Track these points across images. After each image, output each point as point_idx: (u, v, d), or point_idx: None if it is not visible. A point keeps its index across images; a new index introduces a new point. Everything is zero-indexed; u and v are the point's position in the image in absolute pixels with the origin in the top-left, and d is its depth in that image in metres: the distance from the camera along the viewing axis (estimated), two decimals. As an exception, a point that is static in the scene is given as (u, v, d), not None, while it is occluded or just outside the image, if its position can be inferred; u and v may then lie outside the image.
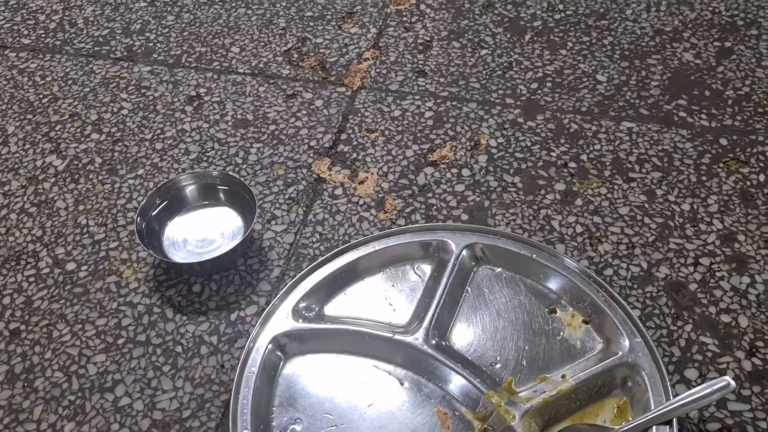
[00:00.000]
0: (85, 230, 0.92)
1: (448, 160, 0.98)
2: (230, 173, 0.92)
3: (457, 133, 1.02)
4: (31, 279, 0.88)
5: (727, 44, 1.12)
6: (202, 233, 0.88)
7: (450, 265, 0.83)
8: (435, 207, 0.93)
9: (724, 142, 0.99)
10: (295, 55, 1.15)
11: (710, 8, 1.18)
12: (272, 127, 1.04)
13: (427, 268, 0.86)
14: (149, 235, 0.87)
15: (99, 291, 0.86)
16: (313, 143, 1.01)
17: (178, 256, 0.85)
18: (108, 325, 0.83)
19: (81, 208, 0.95)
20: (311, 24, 1.21)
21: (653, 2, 1.20)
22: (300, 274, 0.82)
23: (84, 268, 0.88)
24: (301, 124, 1.04)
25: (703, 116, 1.02)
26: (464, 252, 0.85)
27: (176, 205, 0.90)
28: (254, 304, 0.84)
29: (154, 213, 0.88)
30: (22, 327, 0.83)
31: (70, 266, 0.89)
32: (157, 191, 0.89)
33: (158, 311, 0.84)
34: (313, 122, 1.04)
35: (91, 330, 0.83)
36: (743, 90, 1.05)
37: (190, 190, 0.90)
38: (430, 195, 0.94)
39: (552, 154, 0.99)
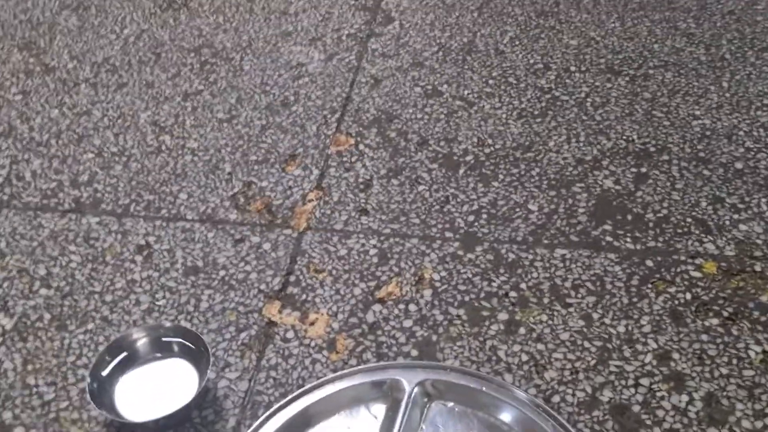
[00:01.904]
0: (34, 391, 0.91)
1: (394, 297, 1.02)
2: (181, 324, 0.93)
3: (401, 269, 1.06)
4: (-22, 448, 0.86)
5: (643, 170, 1.22)
6: (156, 388, 0.88)
7: (403, 404, 0.86)
8: (385, 344, 0.96)
9: (649, 263, 1.06)
10: (242, 199, 1.20)
11: (624, 137, 1.29)
12: (222, 273, 1.07)
13: (381, 409, 0.87)
14: (101, 393, 0.86)
15: (49, 456, 0.84)
16: (262, 287, 1.04)
17: (132, 414, 0.85)
18: (59, 492, 0.81)
19: (30, 368, 0.94)
20: (256, 167, 1.26)
21: (572, 134, 1.30)
22: (255, 425, 0.83)
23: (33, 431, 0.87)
24: (251, 268, 1.07)
25: (628, 240, 1.10)
26: (416, 389, 0.87)
27: (128, 360, 0.90)
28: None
29: (105, 370, 0.88)
30: (-32, 501, 0.81)
31: (18, 431, 0.87)
32: (107, 348, 0.90)
33: (112, 473, 0.82)
34: (261, 266, 1.07)
35: (42, 499, 0.81)
36: (662, 212, 1.14)
37: (141, 344, 0.91)
38: (379, 333, 0.97)
39: (493, 284, 1.04)
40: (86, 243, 1.12)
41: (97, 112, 1.42)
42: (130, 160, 1.30)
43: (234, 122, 1.38)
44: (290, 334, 0.97)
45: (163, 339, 0.91)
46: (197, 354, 0.90)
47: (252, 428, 0.83)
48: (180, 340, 0.91)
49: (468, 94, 1.43)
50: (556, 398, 0.89)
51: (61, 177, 1.26)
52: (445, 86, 1.45)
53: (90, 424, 0.87)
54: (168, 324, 0.93)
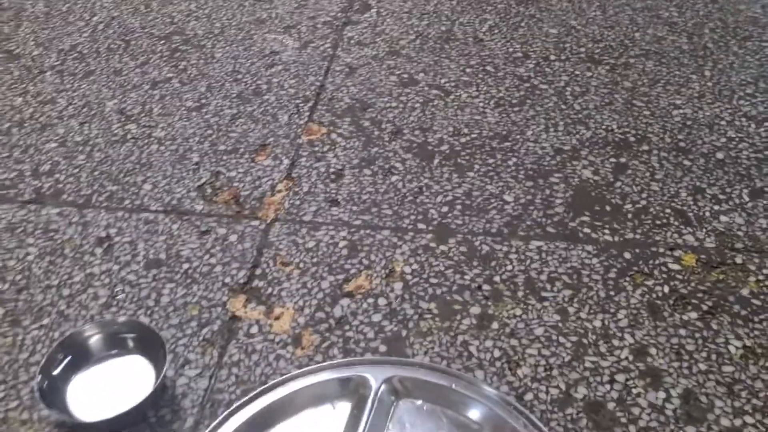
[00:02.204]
0: (-17, 390, 0.87)
1: (363, 290, 0.99)
2: (137, 320, 0.89)
3: (371, 262, 1.03)
4: None
5: (622, 160, 1.19)
6: (111, 386, 0.84)
7: (369, 401, 0.82)
8: (353, 340, 0.92)
9: (627, 255, 1.02)
10: (209, 190, 1.16)
11: (603, 127, 1.26)
12: (186, 266, 1.02)
13: (346, 407, 0.84)
14: (52, 392, 0.82)
15: (-4, 458, 0.80)
16: (227, 280, 1.00)
17: (84, 414, 0.81)
18: (5, 496, 0.77)
19: (-21, 365, 0.90)
20: (225, 157, 1.22)
21: (551, 123, 1.27)
22: (213, 424, 0.79)
23: (-20, 432, 0.83)
24: (216, 260, 1.03)
25: (606, 231, 1.06)
26: (383, 386, 0.84)
27: (81, 357, 0.86)
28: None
29: (57, 368, 0.84)
30: None
31: (-35, 432, 0.83)
32: (60, 344, 0.85)
33: (62, 476, 0.78)
34: (227, 258, 1.03)
35: (-14, 504, 0.76)
36: (641, 203, 1.11)
37: (95, 340, 0.87)
38: (347, 328, 0.94)
39: (465, 277, 1.00)
40: (45, 235, 1.08)
41: (62, 101, 1.37)
42: (94, 149, 1.25)
43: (203, 111, 1.33)
44: (254, 329, 0.94)
45: (119, 335, 0.87)
46: (154, 351, 0.85)
47: (210, 428, 0.79)
48: (136, 336, 0.87)
49: (445, 82, 1.39)
50: (529, 395, 0.85)
51: (21, 167, 1.22)
52: (422, 75, 1.41)
53: (41, 424, 0.83)
54: (123, 319, 0.89)
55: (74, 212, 1.12)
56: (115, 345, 0.87)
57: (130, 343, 0.87)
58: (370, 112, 1.32)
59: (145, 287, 0.99)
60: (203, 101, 1.36)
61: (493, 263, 1.02)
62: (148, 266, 1.02)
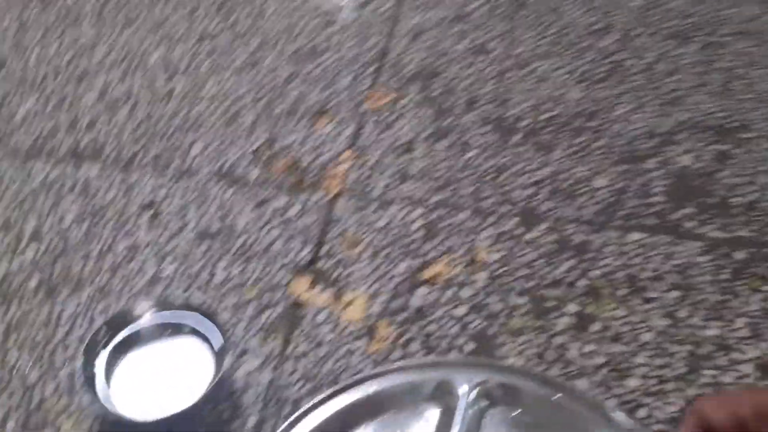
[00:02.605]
0: (15, 370, 0.76)
1: (444, 278, 0.87)
2: (193, 302, 0.78)
3: (451, 246, 0.91)
4: (-56, 436, 0.71)
5: (724, 147, 1.07)
6: (161, 375, 0.73)
7: (459, 411, 0.71)
8: (435, 335, 0.81)
9: (740, 256, 0.90)
10: (265, 156, 1.04)
11: (700, 110, 1.13)
12: (241, 240, 0.91)
13: (432, 415, 0.73)
14: (94, 379, 0.71)
15: (30, 451, 0.70)
16: (289, 258, 0.89)
17: (130, 406, 0.70)
18: (41, 497, 0.66)
19: (12, 340, 0.79)
20: (281, 121, 1.10)
21: (641, 103, 1.14)
22: (282, 428, 0.68)
23: (12, 419, 0.72)
24: (275, 235, 0.92)
25: (713, 226, 0.94)
26: (474, 392, 0.72)
27: (129, 341, 0.75)
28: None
29: (101, 351, 0.73)
30: (-72, 503, 0.66)
31: (-5, 417, 0.72)
32: (105, 324, 0.74)
33: (105, 477, 0.68)
34: (288, 234, 0.92)
35: (19, 505, 0.66)
36: (750, 196, 0.99)
37: (146, 322, 0.76)
38: (427, 320, 0.83)
39: (558, 270, 0.89)
40: (84, 196, 0.97)
41: (102, 50, 1.25)
42: (137, 105, 1.13)
43: (256, 69, 1.21)
44: (322, 317, 0.82)
45: (172, 317, 0.76)
46: (212, 339, 0.74)
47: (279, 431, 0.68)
48: (193, 320, 0.76)
49: (520, 52, 1.26)
50: (641, 412, 0.74)
51: (57, 119, 1.10)
52: (494, 43, 1.29)
53: (81, 414, 0.72)
54: (177, 298, 0.77)
55: (116, 173, 1.00)
56: (168, 328, 0.76)
57: (185, 327, 0.75)
58: (441, 80, 1.19)
59: (197, 262, 0.88)
60: (256, 59, 1.24)
61: (589, 256, 0.90)
62: (200, 237, 0.91)
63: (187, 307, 0.76)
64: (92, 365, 0.71)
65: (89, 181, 0.99)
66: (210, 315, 0.75)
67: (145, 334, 0.75)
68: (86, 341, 0.73)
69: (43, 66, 1.21)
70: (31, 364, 0.77)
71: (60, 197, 0.96)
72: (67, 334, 0.80)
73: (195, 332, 0.76)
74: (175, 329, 0.76)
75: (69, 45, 1.26)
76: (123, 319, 0.75)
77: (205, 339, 0.75)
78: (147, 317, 0.76)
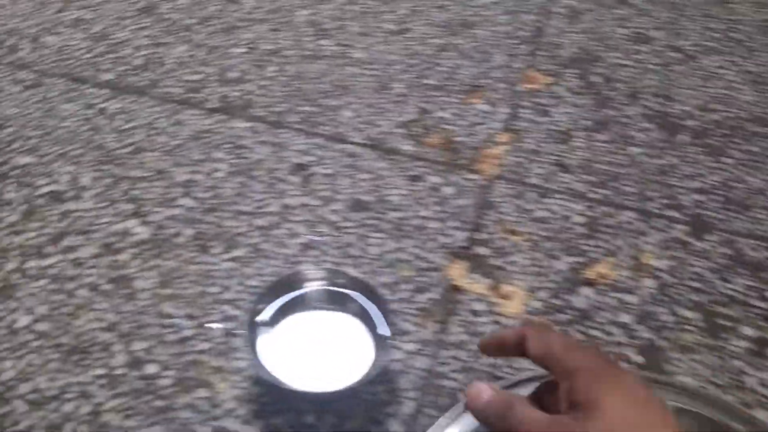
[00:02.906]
0: (169, 322, 0.75)
1: (607, 281, 0.82)
2: (361, 279, 0.74)
3: (614, 248, 0.85)
4: (102, 381, 0.70)
5: None
6: (319, 349, 0.70)
7: None
8: (599, 341, 0.76)
9: None
10: (417, 129, 1.00)
11: None
12: (395, 215, 0.88)
13: None
14: (254, 343, 0.69)
15: (186, 408, 0.68)
16: (444, 240, 0.85)
17: (286, 376, 0.67)
18: (197, 458, 0.65)
19: (166, 292, 0.78)
20: (432, 93, 1.06)
21: (824, 113, 1.05)
22: (452, 414, 0.65)
23: (167, 373, 0.71)
24: (429, 214, 0.88)
25: None
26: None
27: (290, 307, 0.72)
28: (384, 450, 0.66)
29: (261, 315, 0.71)
30: (87, 448, 0.65)
31: (151, 369, 0.71)
32: (268, 288, 0.72)
33: (261, 446, 0.66)
34: (443, 214, 0.88)
35: (175, 463, 0.65)
36: None
37: (306, 289, 0.73)
38: (591, 324, 0.77)
39: (731, 286, 0.82)
40: (234, 151, 0.95)
41: (249, 3, 1.23)
42: (285, 62, 1.11)
43: (406, 36, 1.17)
44: (479, 306, 0.78)
45: (332, 289, 0.73)
46: (373, 315, 0.71)
47: (446, 418, 0.64)
48: (352, 292, 0.72)
49: (685, 45, 1.18)
50: (831, 456, 0.67)
51: (207, 70, 1.08)
52: (657, 32, 1.21)
53: (234, 376, 0.70)
54: (345, 275, 0.74)
55: (266, 130, 0.98)
56: (331, 300, 0.73)
57: (346, 301, 0.72)
58: (600, 66, 1.12)
59: (350, 232, 0.85)
60: (405, 25, 1.19)
61: (766, 275, 0.83)
62: (352, 207, 0.88)
63: (352, 281, 0.73)
64: (251, 328, 0.69)
65: (240, 137, 0.97)
66: (374, 293, 0.71)
67: (307, 302, 0.72)
68: (244, 303, 0.71)
69: (191, 14, 1.19)
70: (185, 319, 0.75)
71: (211, 150, 0.94)
72: (221, 292, 0.78)
73: (356, 310, 0.72)
74: (337, 302, 0.72)
75: (217, -6, 1.24)
76: (285, 284, 0.72)
77: (366, 316, 0.71)
78: (309, 287, 0.73)
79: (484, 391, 0.45)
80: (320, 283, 0.73)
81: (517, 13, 1.23)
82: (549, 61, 1.13)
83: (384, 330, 0.69)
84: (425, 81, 1.08)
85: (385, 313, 0.70)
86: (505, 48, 1.15)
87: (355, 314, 0.71)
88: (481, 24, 1.20)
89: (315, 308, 0.72)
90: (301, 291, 0.72)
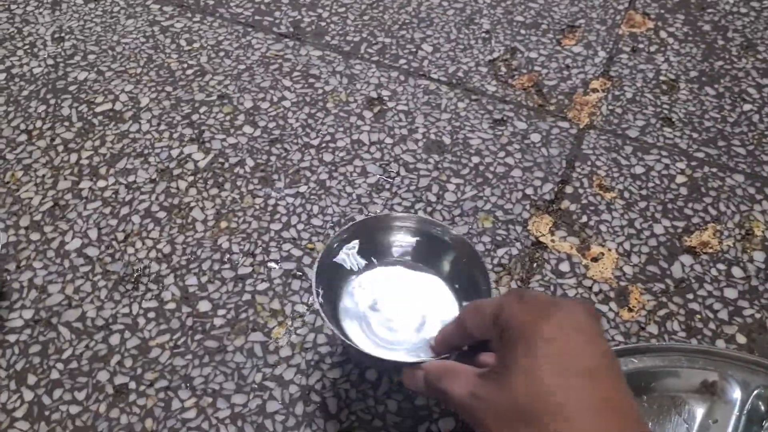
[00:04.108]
0: (226, 258, 0.69)
1: (711, 250, 0.73)
2: (456, 233, 0.62)
3: (720, 214, 0.76)
4: (150, 315, 0.65)
5: None
6: (399, 306, 0.60)
7: (731, 418, 0.58)
8: (698, 316, 0.67)
9: None
10: (503, 69, 0.90)
11: None
12: (475, 160, 0.79)
13: (697, 411, 0.60)
14: (321, 295, 0.59)
15: (239, 351, 0.63)
16: (529, 191, 0.77)
17: (360, 336, 0.58)
18: (248, 406, 0.60)
19: (223, 225, 0.72)
20: (522, 32, 0.96)
21: None
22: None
23: (221, 313, 0.65)
24: (513, 162, 0.79)
25: None
26: (751, 400, 0.59)
27: (366, 255, 0.62)
28: (452, 415, 0.60)
29: (332, 262, 0.60)
30: (132, 385, 0.61)
31: (204, 306, 0.66)
32: (347, 230, 0.61)
33: (317, 400, 0.60)
34: (528, 162, 0.79)
35: (225, 409, 0.59)
36: None
37: (393, 239, 0.62)
38: (690, 296, 0.69)
39: None
40: (304, 80, 0.87)
41: (326, -77, 1.14)
42: (362, -12, 1.02)
43: (495, -32, 1.06)
44: (565, 267, 0.70)
45: (420, 240, 0.62)
46: (467, 278, 0.60)
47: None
48: (442, 247, 0.61)
49: (810, -5, 1.04)
50: None
51: (278, -9, 1.00)
52: (777, -21, 1.07)
53: (293, 323, 0.64)
54: (439, 226, 0.62)
55: (339, 60, 0.90)
56: (419, 256, 0.62)
57: (443, 262, 0.61)
58: (711, 13, 1.00)
59: (425, 175, 0.77)
60: (494, -44, 1.08)
61: None
62: (429, 149, 0.80)
63: (448, 237, 0.61)
64: (320, 275, 0.59)
65: (310, 64, 0.89)
66: (474, 257, 0.60)
67: (387, 252, 0.63)
68: (321, 253, 0.64)
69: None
70: (242, 255, 0.69)
71: (279, 77, 0.87)
72: (283, 229, 0.72)
73: (448, 270, 0.61)
74: (428, 262, 0.62)
75: None
76: (368, 230, 0.62)
77: (458, 279, 0.61)
78: (398, 236, 0.62)
79: (417, 370, 0.48)
80: (408, 233, 0.63)
81: (620, -51, 1.11)
82: (654, 3, 1.01)
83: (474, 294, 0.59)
84: (515, 18, 0.98)
85: (486, 276, 0.59)
86: (605, -13, 1.03)
87: (440, 277, 0.61)
88: (579, -41, 1.08)
89: (395, 263, 0.62)
90: (384, 239, 0.62)
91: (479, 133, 0.82)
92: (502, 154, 0.80)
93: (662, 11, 1.00)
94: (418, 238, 0.62)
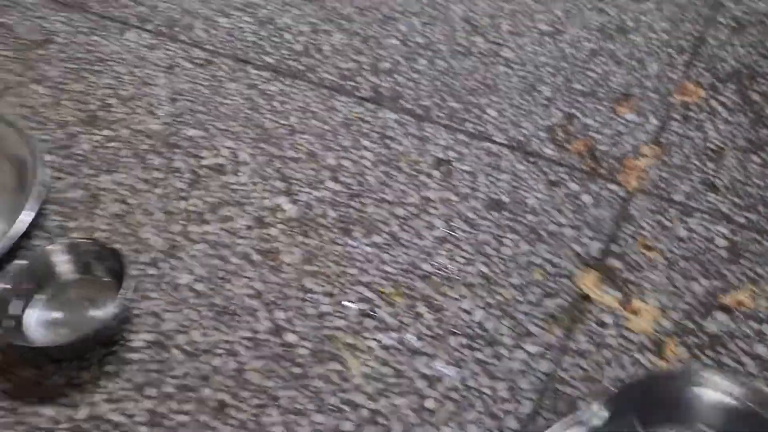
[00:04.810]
0: (309, 296, 0.81)
1: (745, 309, 0.80)
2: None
3: (758, 276, 0.83)
4: (246, 342, 0.77)
5: None
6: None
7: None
8: (728, 369, 0.75)
9: None
10: (561, 134, 1.00)
11: None
12: (531, 218, 0.89)
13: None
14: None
15: (318, 378, 0.74)
16: (578, 248, 0.86)
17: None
18: (325, 424, 0.70)
19: (308, 268, 0.84)
20: (580, 99, 1.05)
21: None
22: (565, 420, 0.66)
23: (305, 344, 0.77)
24: (565, 221, 0.89)
25: None
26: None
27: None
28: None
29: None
30: (231, 401, 0.72)
31: (290, 338, 0.77)
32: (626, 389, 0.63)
33: (383, 423, 0.70)
34: (579, 221, 0.89)
35: (306, 426, 0.70)
36: None
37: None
38: (722, 350, 0.76)
39: None
40: (381, 141, 0.99)
41: (406, -6, 1.27)
42: (436, 56, 1.14)
43: (558, 38, 1.16)
44: (607, 318, 0.79)
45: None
46: None
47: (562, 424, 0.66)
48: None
49: None
50: None
51: (361, 59, 1.13)
52: (830, 51, 1.13)
53: (368, 356, 0.75)
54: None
55: (412, 123, 1.02)
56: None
57: None
58: (761, 84, 1.07)
59: (485, 230, 0.88)
60: (558, 26, 1.19)
61: None
62: (489, 206, 0.90)
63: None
64: None
65: (386, 126, 1.01)
66: None
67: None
68: (385, 291, 0.75)
69: (351, 3, 1.24)
70: (323, 295, 0.81)
71: (359, 137, 1.00)
72: (359, 274, 0.83)
73: None
74: None
75: (377, -15, 1.29)
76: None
77: None
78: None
79: None
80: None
81: (679, 21, 1.20)
82: (706, 73, 1.09)
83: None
84: (574, 85, 1.08)
85: None
86: (662, 57, 1.12)
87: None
88: (638, 30, 1.17)
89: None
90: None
91: (535, 193, 0.92)
92: (555, 212, 0.90)
93: (714, 81, 1.08)
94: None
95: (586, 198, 0.91)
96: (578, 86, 1.08)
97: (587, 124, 1.01)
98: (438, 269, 0.83)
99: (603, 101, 1.05)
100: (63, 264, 0.80)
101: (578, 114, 1.03)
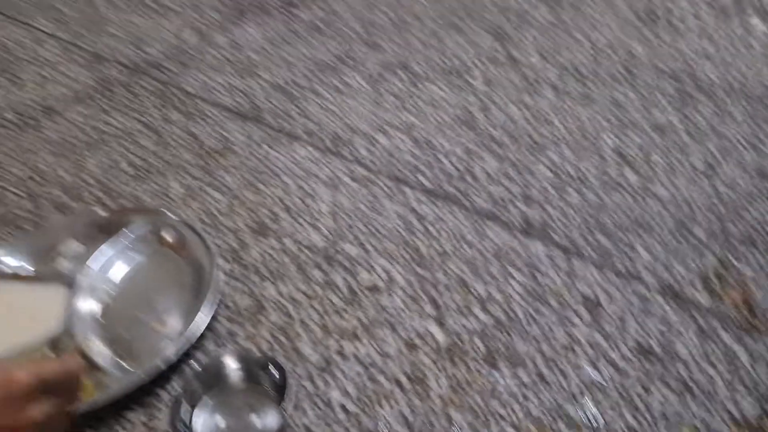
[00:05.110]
0: (454, 428, 0.84)
1: None
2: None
3: None
4: (392, 469, 0.80)
5: None
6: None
7: None
8: None
9: None
10: (715, 281, 0.99)
11: None
12: (681, 368, 0.88)
13: None
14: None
15: None
16: (731, 407, 0.84)
17: None
18: None
19: (454, 398, 0.87)
20: (735, 245, 1.04)
21: None
22: None
23: (448, 478, 0.79)
24: (718, 376, 0.87)
25: None
26: None
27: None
28: None
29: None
30: None
31: (434, 469, 0.80)
32: None
33: None
34: (732, 377, 0.87)
35: None
36: None
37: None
38: None
39: None
40: (530, 274, 1.02)
41: (557, 123, 1.31)
42: (586, 188, 1.16)
43: (713, 177, 1.16)
44: (762, 490, 0.76)
45: None
46: None
47: None
48: None
49: None
50: None
51: (512, 186, 1.18)
52: None
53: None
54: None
55: (561, 257, 1.04)
56: None
57: None
58: None
59: (633, 378, 0.87)
60: (713, 164, 1.19)
61: None
62: (638, 352, 0.90)
63: None
64: None
65: (536, 259, 1.04)
66: None
67: None
68: (528, 427, 0.76)
69: (505, 130, 1.30)
70: (468, 428, 0.83)
71: (508, 266, 1.03)
72: (501, 408, 0.85)
73: None
74: None
75: (528, 111, 1.35)
76: None
77: None
78: None
79: None
80: None
81: (843, 165, 1.16)
82: None
83: None
84: (730, 229, 1.07)
85: None
86: (824, 204, 1.09)
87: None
88: (799, 173, 1.15)
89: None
90: None
91: (686, 342, 0.91)
92: (707, 365, 0.88)
93: None
94: None
95: (740, 353, 0.89)
96: (734, 229, 1.07)
97: (744, 273, 1.00)
98: (582, 416, 0.84)
99: (758, 245, 1.03)
100: (233, 372, 0.87)
101: (733, 260, 1.02)
